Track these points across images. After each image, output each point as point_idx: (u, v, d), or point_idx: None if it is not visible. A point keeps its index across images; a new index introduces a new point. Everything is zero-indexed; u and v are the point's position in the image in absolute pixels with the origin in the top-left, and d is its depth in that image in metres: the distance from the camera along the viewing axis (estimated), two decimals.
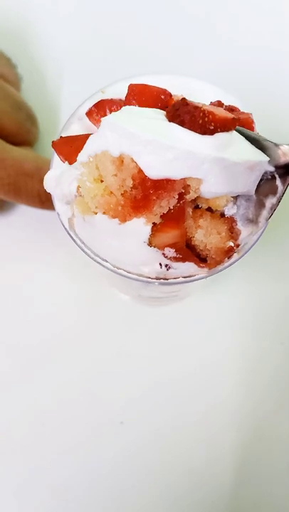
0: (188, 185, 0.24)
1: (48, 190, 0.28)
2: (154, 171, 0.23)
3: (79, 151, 0.26)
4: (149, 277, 0.29)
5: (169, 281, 0.29)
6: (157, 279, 0.28)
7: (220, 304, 0.43)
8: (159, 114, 0.24)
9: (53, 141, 0.28)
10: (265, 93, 0.41)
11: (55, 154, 0.30)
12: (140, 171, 0.24)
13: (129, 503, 0.38)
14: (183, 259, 0.27)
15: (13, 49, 0.44)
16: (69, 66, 0.46)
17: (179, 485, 0.39)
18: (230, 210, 0.28)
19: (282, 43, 0.47)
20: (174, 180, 0.24)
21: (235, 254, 0.30)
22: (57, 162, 0.30)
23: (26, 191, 0.37)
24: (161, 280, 0.29)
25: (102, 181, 0.25)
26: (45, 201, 0.39)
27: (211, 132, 0.23)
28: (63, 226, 0.29)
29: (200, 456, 0.39)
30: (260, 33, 0.48)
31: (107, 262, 0.29)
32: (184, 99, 0.23)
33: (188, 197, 0.25)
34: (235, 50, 0.46)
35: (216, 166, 0.23)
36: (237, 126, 0.25)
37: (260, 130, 0.28)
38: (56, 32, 0.47)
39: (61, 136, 0.29)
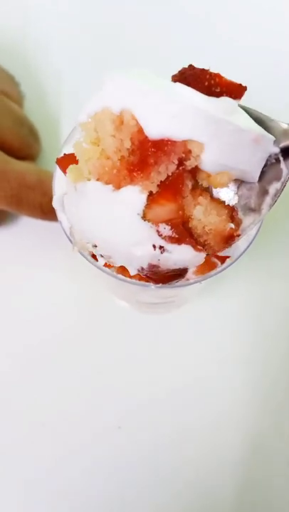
0: (190, 151, 0.23)
1: (56, 208, 0.29)
2: (155, 127, 0.22)
3: None
4: (142, 267, 0.26)
5: (164, 285, 0.28)
6: (150, 266, 0.26)
7: (219, 310, 0.43)
8: (165, 79, 0.24)
9: (57, 158, 0.28)
10: (265, 92, 0.41)
11: (58, 169, 0.29)
12: (140, 130, 0.23)
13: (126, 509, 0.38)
14: (179, 240, 0.25)
15: (16, 68, 0.46)
16: (70, 84, 0.48)
17: (178, 493, 0.38)
18: (231, 200, 0.27)
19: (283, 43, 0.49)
20: (174, 142, 0.22)
21: (228, 260, 0.29)
22: (59, 177, 0.29)
23: (28, 203, 0.39)
24: (158, 285, 0.28)
25: (99, 146, 0.24)
26: (46, 212, 0.40)
27: (217, 95, 0.23)
28: (64, 233, 0.29)
29: (201, 465, 0.39)
30: (260, 32, 0.49)
31: (101, 256, 0.27)
32: (191, 65, 0.23)
33: (189, 164, 0.23)
34: (236, 49, 0.47)
35: (221, 129, 0.22)
36: (242, 105, 0.25)
37: None
38: (58, 51, 0.49)
39: (65, 154, 0.29)
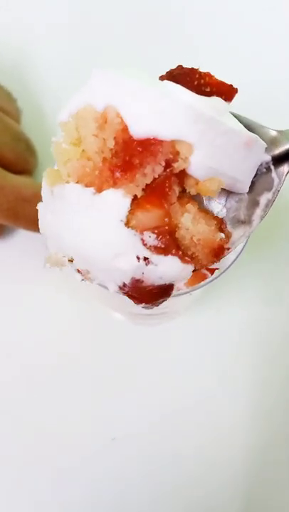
0: (178, 152, 0.21)
1: None
2: (141, 125, 0.20)
3: None
4: (124, 283, 0.24)
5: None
6: (133, 281, 0.23)
7: (215, 322, 0.43)
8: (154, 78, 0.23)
9: None
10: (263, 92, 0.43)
11: None
12: (124, 129, 0.21)
13: None
14: (165, 251, 0.22)
15: (13, 84, 0.47)
16: (66, 100, 0.48)
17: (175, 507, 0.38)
18: (219, 214, 0.25)
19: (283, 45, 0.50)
20: (161, 141, 0.21)
21: (216, 271, 0.29)
22: None
23: (25, 216, 0.39)
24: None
25: (79, 146, 0.22)
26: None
27: (207, 95, 0.21)
28: None
29: (200, 479, 0.39)
30: (255, 35, 0.50)
31: (78, 272, 0.25)
32: (180, 65, 0.22)
33: (176, 166, 0.21)
34: (229, 53, 0.49)
35: (211, 129, 0.21)
36: (231, 111, 0.24)
37: None
38: (55, 67, 0.50)
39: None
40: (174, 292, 0.25)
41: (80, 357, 0.42)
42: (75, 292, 0.42)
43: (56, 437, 0.40)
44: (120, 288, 0.24)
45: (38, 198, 0.39)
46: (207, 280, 0.28)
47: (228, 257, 0.28)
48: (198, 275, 0.29)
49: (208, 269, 0.29)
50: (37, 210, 0.39)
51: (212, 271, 0.29)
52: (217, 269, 0.29)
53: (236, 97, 0.23)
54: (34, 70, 0.50)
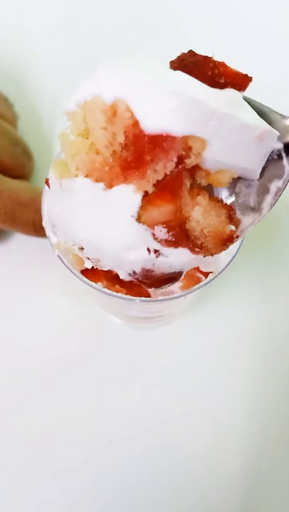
0: (190, 148, 0.21)
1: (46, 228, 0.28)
2: (153, 121, 0.20)
3: None
4: (134, 271, 0.24)
5: (149, 299, 0.29)
6: (144, 271, 0.24)
7: (213, 326, 0.43)
8: (164, 66, 0.21)
9: (46, 178, 0.26)
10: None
11: (47, 189, 0.26)
12: (135, 123, 0.20)
13: None
14: (175, 244, 0.23)
15: (10, 89, 0.47)
16: (64, 105, 0.46)
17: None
18: (228, 198, 0.25)
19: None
20: (173, 138, 0.20)
21: (210, 274, 0.29)
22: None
23: (22, 220, 0.40)
24: (142, 298, 0.28)
25: (88, 138, 0.22)
26: (39, 229, 0.41)
27: (221, 86, 0.20)
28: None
29: (198, 482, 0.38)
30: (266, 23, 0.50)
31: (88, 259, 0.25)
32: (191, 50, 0.21)
33: (189, 162, 0.21)
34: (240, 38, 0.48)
35: (225, 125, 0.20)
36: (244, 95, 0.23)
37: None
38: (52, 73, 0.50)
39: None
40: (170, 296, 0.26)
41: (77, 360, 0.42)
42: (72, 296, 0.42)
43: (53, 439, 0.40)
44: (130, 275, 0.25)
45: (35, 203, 0.39)
46: (201, 283, 0.28)
47: (223, 260, 0.29)
48: (193, 278, 0.30)
49: (202, 273, 0.30)
50: (33, 214, 0.39)
51: (206, 274, 0.29)
52: (211, 272, 0.29)
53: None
54: (31, 75, 0.50)
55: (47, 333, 0.42)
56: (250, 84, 0.21)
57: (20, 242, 0.44)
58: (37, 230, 0.41)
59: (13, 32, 0.52)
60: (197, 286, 0.28)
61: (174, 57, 0.21)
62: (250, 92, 0.22)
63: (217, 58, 0.21)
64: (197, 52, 0.21)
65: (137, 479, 0.39)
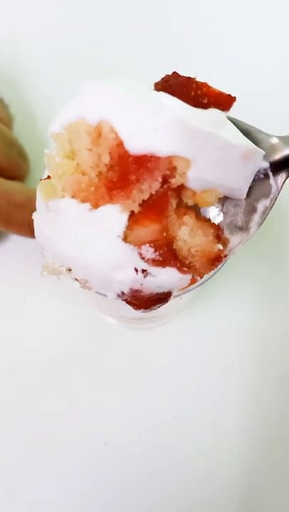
0: (175, 167, 0.21)
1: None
2: (137, 142, 0.20)
3: None
4: (123, 292, 0.24)
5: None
6: (132, 291, 0.24)
7: (210, 326, 0.43)
8: (148, 88, 0.22)
9: (40, 180, 0.26)
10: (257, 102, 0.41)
11: None
12: (120, 144, 0.20)
13: None
14: (163, 263, 0.23)
15: (5, 90, 0.47)
16: (59, 105, 0.47)
17: None
18: (216, 218, 0.25)
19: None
20: (158, 158, 0.20)
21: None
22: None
23: (17, 221, 0.40)
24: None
25: (73, 159, 0.22)
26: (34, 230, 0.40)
27: (205, 106, 0.21)
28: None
29: (197, 484, 0.38)
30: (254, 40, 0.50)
31: (76, 280, 0.25)
32: (175, 72, 0.21)
33: (174, 182, 0.21)
34: (226, 57, 0.48)
35: (208, 144, 0.20)
36: (229, 116, 0.23)
37: None
38: (47, 74, 0.50)
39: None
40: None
41: (73, 361, 0.42)
42: (68, 297, 0.43)
43: (49, 440, 0.40)
44: (119, 296, 0.25)
45: (30, 204, 0.38)
46: (196, 284, 0.28)
47: None
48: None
49: None
50: (29, 215, 0.40)
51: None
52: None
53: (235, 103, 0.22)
54: (26, 76, 0.50)
55: (43, 334, 0.43)
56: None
57: (16, 243, 0.44)
58: (32, 230, 0.41)
59: (9, 33, 0.52)
60: (192, 286, 0.28)
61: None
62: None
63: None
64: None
65: (137, 479, 0.39)
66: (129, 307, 0.31)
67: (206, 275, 0.28)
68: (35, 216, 0.24)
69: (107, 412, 0.41)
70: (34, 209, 0.38)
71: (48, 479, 0.39)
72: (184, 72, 0.21)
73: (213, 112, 0.21)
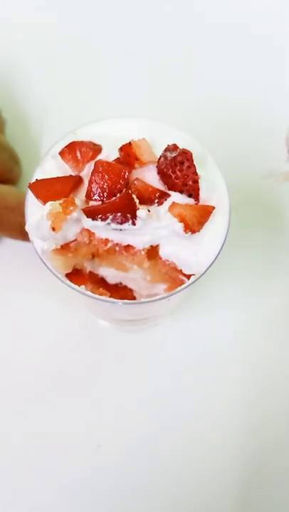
0: None
1: (29, 233, 0.31)
2: None
3: (56, 195, 0.29)
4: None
5: (131, 301, 0.32)
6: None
7: (199, 326, 0.43)
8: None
9: (29, 184, 0.30)
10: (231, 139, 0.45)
11: (30, 194, 0.31)
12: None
13: None
14: None
15: None
16: (51, 109, 0.50)
17: None
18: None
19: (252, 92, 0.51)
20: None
21: (192, 277, 0.31)
22: (32, 201, 0.31)
23: (9, 224, 0.40)
24: (125, 300, 0.31)
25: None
26: (25, 233, 0.42)
27: None
28: (37, 253, 0.32)
29: (195, 486, 0.39)
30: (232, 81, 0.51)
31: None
32: None
33: None
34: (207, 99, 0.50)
35: None
36: None
37: (225, 170, 0.32)
38: (39, 78, 0.51)
39: (37, 179, 0.31)
40: (152, 298, 0.30)
41: (66, 364, 0.42)
42: (61, 300, 0.43)
43: (42, 442, 0.40)
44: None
45: (22, 207, 0.37)
46: (183, 286, 0.30)
47: (203, 263, 0.30)
48: (176, 281, 0.32)
49: (184, 275, 0.31)
50: (20, 218, 0.37)
51: (189, 276, 0.31)
52: (194, 274, 0.30)
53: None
54: (19, 80, 0.50)
55: (36, 337, 0.43)
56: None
57: (8, 246, 0.45)
58: (24, 233, 0.37)
59: (2, 38, 0.52)
60: (180, 288, 0.30)
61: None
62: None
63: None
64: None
65: (131, 482, 0.39)
66: (119, 309, 0.35)
67: (192, 277, 0.31)
68: (30, 199, 0.30)
69: (100, 413, 0.40)
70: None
71: (46, 480, 0.39)
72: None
73: None
